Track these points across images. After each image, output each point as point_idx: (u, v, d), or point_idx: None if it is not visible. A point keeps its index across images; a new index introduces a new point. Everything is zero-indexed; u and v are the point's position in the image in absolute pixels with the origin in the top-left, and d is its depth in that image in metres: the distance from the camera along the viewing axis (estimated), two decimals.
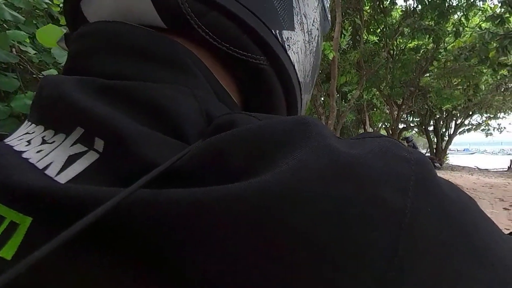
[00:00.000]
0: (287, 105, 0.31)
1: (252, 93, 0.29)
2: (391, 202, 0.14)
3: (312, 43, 0.33)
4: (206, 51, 0.26)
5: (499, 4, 6.32)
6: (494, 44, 5.32)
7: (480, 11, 8.25)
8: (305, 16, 0.31)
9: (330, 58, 5.86)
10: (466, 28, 7.72)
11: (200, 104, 0.22)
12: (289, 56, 0.29)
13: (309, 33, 0.32)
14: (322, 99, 8.43)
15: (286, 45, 0.28)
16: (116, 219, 0.14)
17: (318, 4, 0.34)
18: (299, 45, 0.30)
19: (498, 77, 9.11)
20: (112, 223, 0.14)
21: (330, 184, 0.14)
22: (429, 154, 14.68)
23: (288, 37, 0.29)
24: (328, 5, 0.40)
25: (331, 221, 0.13)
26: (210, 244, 0.13)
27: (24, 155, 0.19)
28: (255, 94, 0.29)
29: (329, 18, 0.41)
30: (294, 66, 0.30)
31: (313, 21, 0.33)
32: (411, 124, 17.12)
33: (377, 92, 9.77)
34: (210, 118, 0.22)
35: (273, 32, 0.27)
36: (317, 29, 0.34)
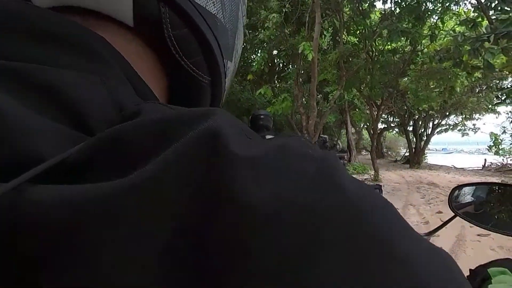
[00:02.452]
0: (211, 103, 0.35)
1: (180, 98, 0.31)
2: (289, 198, 0.14)
3: (234, 73, 0.39)
4: (151, 51, 0.27)
5: (472, 9, 6.53)
6: (467, 47, 5.49)
7: (455, 16, 8.50)
8: (237, 51, 0.37)
9: (310, 59, 5.91)
10: (441, 32, 7.94)
11: (111, 94, 0.20)
12: (225, 83, 0.34)
13: (235, 64, 0.38)
14: (304, 99, 8.48)
15: (226, 73, 0.33)
16: None
17: (243, 41, 0.40)
18: (231, 74, 0.36)
19: (473, 79, 9.42)
20: None
21: (209, 176, 0.14)
22: (407, 154, 15.03)
23: (228, 67, 0.34)
24: (244, 21, 0.43)
25: (208, 220, 0.13)
26: (71, 249, 0.13)
27: None
28: (182, 100, 0.31)
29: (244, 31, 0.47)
30: (224, 91, 0.35)
31: (239, 55, 0.39)
32: (392, 124, 17.49)
33: (358, 93, 9.92)
34: (123, 108, 0.20)
35: (224, 61, 0.31)
36: (237, 63, 0.39)
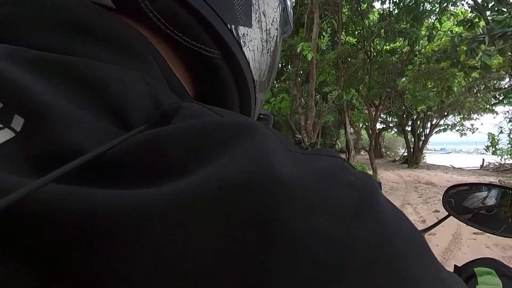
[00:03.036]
0: (240, 102, 0.31)
1: (205, 87, 0.29)
2: (325, 228, 0.14)
3: (270, 43, 0.33)
4: (160, 40, 0.25)
5: (469, 10, 6.58)
6: (464, 48, 5.53)
7: (453, 16, 8.55)
8: (263, 15, 0.31)
9: (309, 59, 5.95)
10: (439, 32, 7.98)
11: (150, 90, 0.21)
12: (244, 53, 0.28)
13: (267, 32, 0.32)
14: (302, 99, 8.52)
15: (241, 41, 0.28)
16: (15, 218, 0.12)
17: (278, 5, 0.34)
18: (256, 43, 0.30)
19: (470, 79, 9.48)
20: (10, 221, 0.13)
21: (250, 202, 0.13)
22: (406, 154, 15.08)
23: (244, 34, 0.28)
24: (291, 10, 0.41)
25: (248, 243, 0.13)
26: (113, 256, 0.12)
27: None
28: (208, 88, 0.29)
29: (291, 22, 0.42)
30: (249, 63, 0.29)
31: (272, 20, 0.33)
32: (390, 124, 17.53)
33: (356, 93, 9.96)
34: (160, 105, 0.20)
35: (228, 26, 0.26)
36: (276, 29, 0.34)
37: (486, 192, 0.71)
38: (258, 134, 0.16)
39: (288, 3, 0.38)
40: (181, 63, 0.27)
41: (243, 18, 0.28)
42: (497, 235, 0.63)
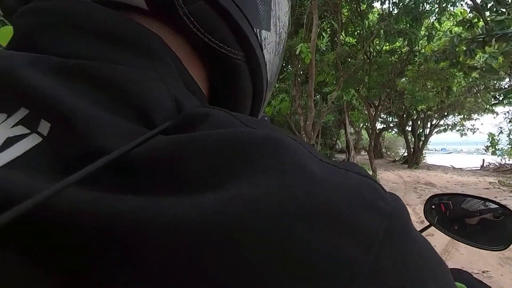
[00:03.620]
0: (252, 101, 0.32)
1: (221, 85, 0.29)
2: (351, 256, 0.13)
3: (280, 45, 0.34)
4: (182, 39, 0.26)
5: (468, 10, 6.58)
6: (463, 48, 5.53)
7: (452, 16, 8.55)
8: (278, 19, 0.32)
9: (307, 62, 5.95)
10: (438, 32, 7.98)
11: (170, 90, 0.21)
12: (263, 55, 0.30)
13: (280, 35, 0.33)
14: (301, 100, 8.52)
15: (263, 44, 0.29)
16: (35, 222, 0.13)
17: (288, 10, 0.36)
18: (272, 46, 0.31)
19: (470, 79, 9.47)
20: (36, 223, 0.13)
21: (281, 219, 0.13)
22: (406, 154, 15.06)
23: (265, 37, 0.29)
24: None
25: (269, 268, 0.12)
26: (138, 266, 0.12)
27: None
28: (224, 87, 0.30)
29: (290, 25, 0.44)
30: (266, 65, 0.31)
31: (283, 24, 0.34)
32: (390, 124, 17.52)
33: (356, 93, 9.96)
34: (180, 106, 0.21)
35: (255, 30, 0.27)
36: (286, 32, 0.36)
37: (468, 203, 0.70)
38: (288, 148, 0.16)
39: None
40: (200, 62, 0.28)
41: (265, 22, 0.29)
42: (476, 247, 0.63)
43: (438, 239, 3.73)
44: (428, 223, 0.70)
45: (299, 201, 0.14)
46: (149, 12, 0.24)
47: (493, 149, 11.30)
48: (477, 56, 5.10)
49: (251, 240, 0.13)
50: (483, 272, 2.94)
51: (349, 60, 7.89)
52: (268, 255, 0.12)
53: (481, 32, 5.06)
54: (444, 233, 0.68)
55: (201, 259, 0.12)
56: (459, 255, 3.37)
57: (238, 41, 0.27)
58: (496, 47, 4.62)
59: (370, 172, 9.32)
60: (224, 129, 0.17)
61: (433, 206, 0.73)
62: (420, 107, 10.84)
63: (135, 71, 0.20)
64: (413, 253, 0.15)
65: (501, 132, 12.11)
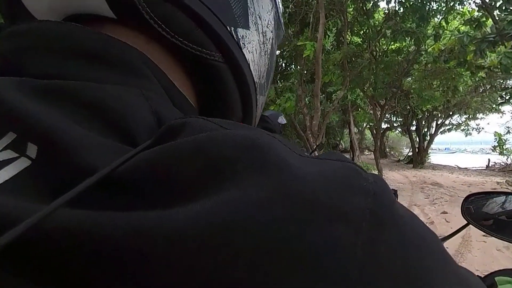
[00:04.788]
0: (242, 105, 0.32)
1: (207, 92, 0.29)
2: (343, 239, 0.14)
3: (266, 45, 0.34)
4: (159, 47, 0.26)
5: (477, 8, 6.53)
6: (472, 48, 5.48)
7: (459, 15, 8.48)
8: (259, 17, 0.32)
9: (311, 57, 5.90)
10: (446, 31, 7.92)
11: (151, 106, 0.21)
12: (244, 54, 0.29)
13: (264, 34, 0.33)
14: (307, 99, 8.49)
15: (241, 43, 0.28)
16: (31, 243, 0.13)
17: (272, 8, 0.35)
18: (254, 45, 0.31)
19: (477, 79, 9.40)
20: (27, 246, 0.13)
21: (275, 219, 0.13)
22: (411, 154, 15.00)
23: (243, 35, 0.29)
24: (281, 13, 0.41)
25: (271, 263, 0.13)
26: (137, 281, 0.13)
27: None
28: (211, 93, 0.29)
29: (283, 26, 0.41)
30: (249, 65, 0.30)
31: (267, 23, 0.33)
32: (395, 124, 17.45)
33: (361, 93, 9.91)
34: (162, 121, 0.21)
35: (228, 28, 0.27)
36: (271, 31, 0.35)
37: (504, 199, 0.69)
38: (268, 148, 0.16)
39: (280, 7, 0.39)
40: (184, 71, 0.27)
41: (241, 20, 0.29)
42: None
43: (449, 241, 3.69)
44: (466, 222, 0.68)
45: (288, 197, 0.14)
46: (121, 22, 0.24)
47: (501, 149, 11.20)
48: (489, 56, 5.04)
49: (248, 242, 0.13)
50: (488, 275, 2.90)
51: (356, 59, 7.85)
52: (267, 254, 0.13)
53: (490, 32, 5.01)
54: (484, 232, 0.66)
55: (201, 266, 0.13)
56: (472, 256, 3.33)
57: (212, 42, 0.26)
58: (510, 46, 4.57)
59: (376, 172, 9.28)
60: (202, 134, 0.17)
61: (470, 205, 0.72)
62: (426, 106, 10.77)
63: (116, 89, 0.21)
64: (405, 230, 0.16)
65: (508, 132, 12.00)
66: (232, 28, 0.27)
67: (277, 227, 0.13)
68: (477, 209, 0.69)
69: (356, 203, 0.15)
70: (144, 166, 0.16)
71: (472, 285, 0.17)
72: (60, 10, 0.25)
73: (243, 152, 0.16)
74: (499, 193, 0.71)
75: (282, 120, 3.46)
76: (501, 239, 0.62)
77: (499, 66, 4.79)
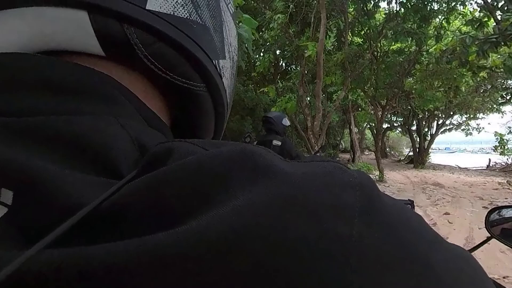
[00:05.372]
0: (216, 126, 0.34)
1: (184, 115, 0.31)
2: (339, 232, 0.14)
3: (234, 68, 0.36)
4: (138, 75, 0.26)
5: (478, 9, 6.51)
6: (474, 48, 5.47)
7: (461, 15, 8.47)
8: (230, 45, 0.34)
9: (313, 57, 5.89)
10: (447, 32, 7.91)
11: (129, 133, 0.21)
12: (223, 83, 0.31)
13: (232, 59, 0.35)
14: (308, 99, 8.48)
15: (222, 73, 0.31)
16: (22, 285, 0.12)
17: (236, 32, 0.37)
18: (228, 72, 0.33)
19: (478, 79, 9.40)
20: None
21: (274, 225, 0.14)
22: (411, 154, 15.00)
23: (223, 66, 0.31)
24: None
25: (278, 263, 0.13)
26: None
27: None
28: (187, 117, 0.31)
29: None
30: (226, 91, 0.32)
31: (234, 48, 0.36)
32: (395, 124, 17.45)
33: (362, 93, 9.90)
34: (142, 146, 0.21)
35: (214, 62, 0.29)
36: (236, 54, 0.37)
37: None
38: (257, 156, 0.17)
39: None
40: (160, 96, 0.28)
41: (221, 52, 0.31)
42: None
43: (452, 243, 3.68)
44: (489, 236, 0.67)
45: (281, 203, 0.15)
46: (97, 57, 0.24)
47: (502, 149, 11.19)
48: (491, 56, 5.03)
49: (250, 251, 0.13)
50: (504, 278, 2.89)
51: (357, 60, 7.84)
52: (267, 258, 0.13)
53: (493, 32, 5.00)
54: (509, 246, 0.66)
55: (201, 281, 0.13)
56: (476, 258, 3.32)
57: (199, 74, 0.28)
58: None
59: (377, 172, 9.28)
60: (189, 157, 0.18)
61: (495, 219, 0.71)
62: (428, 107, 10.77)
63: (90, 120, 0.20)
64: (390, 213, 0.16)
65: (510, 132, 12.00)
66: (216, 61, 0.30)
67: (278, 229, 0.14)
68: (501, 223, 0.69)
69: (346, 198, 0.16)
70: (133, 197, 0.16)
71: (465, 257, 0.18)
72: (37, 48, 0.24)
73: (233, 166, 0.16)
74: None
75: (286, 122, 3.45)
76: None
77: (502, 67, 4.78)
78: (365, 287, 0.14)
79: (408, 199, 0.73)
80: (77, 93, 0.21)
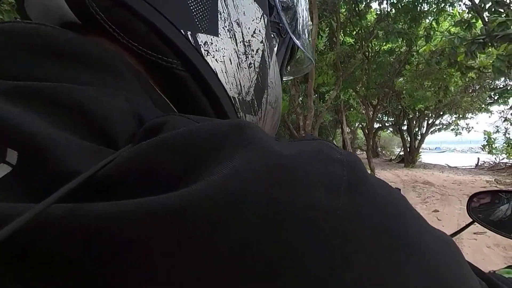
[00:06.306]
0: (218, 116, 0.29)
1: (178, 101, 0.27)
2: (325, 203, 0.15)
3: (252, 56, 0.30)
4: (132, 57, 0.25)
5: (467, 10, 6.64)
6: (462, 49, 5.57)
7: (450, 16, 8.61)
8: (237, 24, 0.29)
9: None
10: (436, 33, 8.04)
11: (133, 107, 0.21)
12: (207, 62, 0.26)
13: (247, 44, 0.30)
14: (300, 99, 8.52)
15: (202, 50, 0.26)
16: (27, 239, 0.13)
17: (262, 16, 0.31)
18: (227, 54, 0.28)
19: (467, 79, 9.56)
20: (23, 243, 0.13)
21: (264, 191, 0.14)
22: (402, 153, 15.17)
23: (206, 42, 0.26)
24: (304, 22, 0.39)
25: (266, 229, 0.14)
26: (138, 261, 0.13)
27: None
28: (181, 103, 0.27)
29: (307, 38, 0.40)
30: (217, 75, 0.27)
31: (254, 32, 0.30)
32: (386, 124, 17.62)
33: (354, 93, 9.99)
34: (144, 121, 0.21)
35: (183, 32, 0.25)
36: (262, 42, 0.31)
37: (509, 197, 0.71)
38: (249, 129, 0.17)
39: (301, 14, 0.36)
40: (155, 80, 0.26)
41: (204, 25, 0.26)
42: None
43: None
44: (471, 220, 0.71)
45: (268, 172, 0.15)
46: (102, 34, 0.24)
47: (490, 148, 11.41)
48: (479, 57, 5.14)
49: (241, 218, 0.14)
50: (489, 272, 2.96)
51: (348, 60, 7.91)
52: (256, 227, 0.14)
53: (480, 33, 5.10)
54: (489, 229, 0.69)
55: (200, 241, 0.13)
56: (463, 253, 3.39)
57: (169, 48, 0.25)
58: (503, 49, 4.66)
59: (368, 171, 9.30)
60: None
61: (475, 204, 0.75)
62: (418, 106, 10.92)
63: (94, 90, 0.20)
64: (378, 191, 0.17)
65: (497, 131, 12.24)
66: (189, 33, 0.25)
67: (265, 198, 0.14)
68: (482, 207, 0.72)
69: (332, 171, 0.16)
70: (127, 165, 0.16)
71: (446, 240, 0.19)
72: (51, 19, 0.26)
73: (224, 137, 0.17)
74: (503, 192, 0.74)
75: None
76: (506, 237, 0.65)
77: (491, 68, 4.88)
78: (348, 260, 0.14)
79: (396, 188, 0.76)
80: (86, 64, 0.22)
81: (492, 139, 11.46)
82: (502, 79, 10.79)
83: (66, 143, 0.17)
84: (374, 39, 8.31)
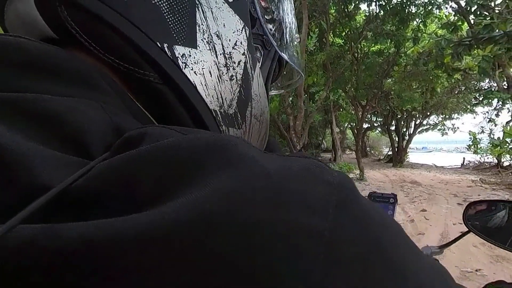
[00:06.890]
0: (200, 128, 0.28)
1: (158, 114, 0.27)
2: (309, 224, 0.14)
3: (233, 69, 0.29)
4: (107, 68, 0.25)
5: (453, 13, 6.76)
6: (449, 50, 5.67)
7: (437, 19, 8.77)
8: (217, 36, 0.28)
9: None
10: (424, 35, 8.17)
11: (111, 118, 0.20)
12: (185, 74, 0.26)
13: (227, 56, 0.29)
14: (290, 99, 8.54)
15: (180, 62, 0.26)
16: None
17: (243, 28, 0.31)
18: (206, 66, 0.27)
19: (453, 80, 9.75)
20: None
21: (246, 212, 0.14)
22: (390, 153, 15.38)
23: (184, 54, 0.26)
24: (290, 32, 0.38)
25: (247, 251, 0.13)
26: (111, 284, 0.13)
27: None
28: (161, 116, 0.27)
29: (292, 46, 0.38)
30: (196, 87, 0.27)
31: (235, 44, 0.29)
32: (375, 124, 17.84)
33: (343, 93, 10.06)
34: (121, 132, 0.20)
35: (159, 44, 0.25)
36: (244, 54, 0.30)
37: (505, 207, 0.70)
38: (232, 146, 0.17)
39: (266, 27, 0.34)
40: (133, 92, 0.26)
41: (181, 37, 0.26)
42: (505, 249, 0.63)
43: (429, 238, 3.81)
44: (467, 230, 0.70)
45: (255, 189, 0.14)
46: (82, 49, 0.24)
47: (475, 148, 11.66)
48: (465, 58, 5.24)
49: (216, 238, 0.13)
50: (476, 270, 3.01)
51: (338, 60, 7.97)
52: (234, 247, 0.13)
53: (466, 35, 5.20)
54: (485, 240, 0.68)
55: (152, 268, 0.13)
56: (450, 253, 3.44)
57: (145, 61, 0.25)
58: (489, 50, 4.76)
59: (357, 171, 9.45)
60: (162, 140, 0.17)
61: (472, 213, 0.74)
62: (406, 107, 11.08)
63: (70, 101, 0.20)
64: (368, 217, 0.16)
65: (482, 131, 12.51)
66: (166, 45, 0.25)
67: (245, 217, 0.14)
68: (478, 215, 0.71)
69: (322, 194, 0.16)
70: (101, 178, 0.15)
71: (436, 266, 0.19)
72: (30, 34, 0.25)
73: (207, 153, 0.16)
74: (500, 202, 0.73)
75: None
76: (503, 248, 0.63)
77: (477, 69, 4.99)
78: (331, 282, 0.14)
79: (392, 193, 0.75)
80: (61, 76, 0.21)
81: (477, 140, 11.71)
82: (487, 80, 11.05)
83: (38, 155, 0.16)
84: (363, 40, 8.40)
